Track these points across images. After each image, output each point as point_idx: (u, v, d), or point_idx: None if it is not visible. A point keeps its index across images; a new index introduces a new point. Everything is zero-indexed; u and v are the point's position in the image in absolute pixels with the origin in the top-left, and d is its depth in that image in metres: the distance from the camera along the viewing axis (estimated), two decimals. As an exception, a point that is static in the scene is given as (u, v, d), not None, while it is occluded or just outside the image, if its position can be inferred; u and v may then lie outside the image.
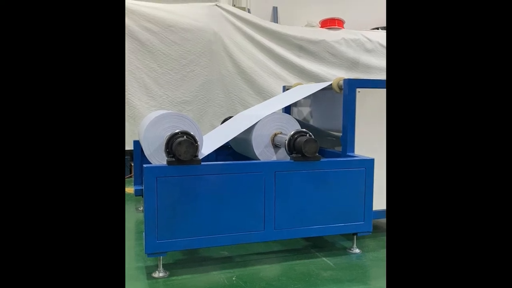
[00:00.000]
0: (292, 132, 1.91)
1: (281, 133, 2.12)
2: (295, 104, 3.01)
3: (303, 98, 2.93)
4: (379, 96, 2.13)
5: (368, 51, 4.81)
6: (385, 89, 2.14)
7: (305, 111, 2.99)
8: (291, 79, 4.46)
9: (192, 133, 1.76)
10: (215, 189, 1.71)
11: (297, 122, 2.19)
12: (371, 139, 2.13)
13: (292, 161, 1.83)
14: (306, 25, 4.95)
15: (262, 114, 2.17)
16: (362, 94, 2.10)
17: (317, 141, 1.83)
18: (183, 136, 1.69)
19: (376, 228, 2.35)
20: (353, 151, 2.10)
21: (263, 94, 4.33)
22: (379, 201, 2.15)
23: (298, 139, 1.85)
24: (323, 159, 1.87)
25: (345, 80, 2.11)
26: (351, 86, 2.08)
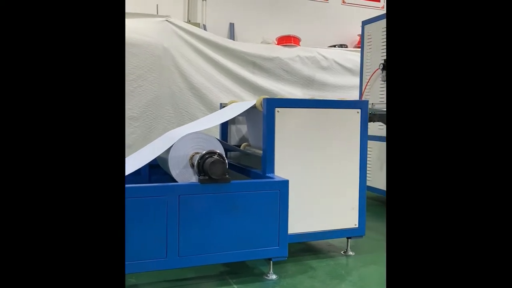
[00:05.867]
0: (203, 153, 1.84)
1: (199, 153, 2.04)
2: (233, 122, 2.95)
3: (240, 116, 2.88)
4: (299, 115, 2.08)
5: (323, 68, 4.83)
6: (304, 109, 2.10)
7: (244, 129, 2.94)
8: (244, 95, 4.42)
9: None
10: (111, 214, 1.61)
11: (218, 142, 2.11)
12: (290, 160, 2.08)
13: (198, 183, 1.75)
14: (261, 42, 4.95)
15: (182, 133, 2.09)
16: (281, 114, 2.05)
17: (225, 162, 1.76)
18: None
19: (299, 252, 2.29)
20: (273, 171, 2.04)
21: (215, 110, 4.26)
22: (298, 224, 2.09)
23: (207, 160, 1.78)
24: (233, 181, 1.80)
25: (264, 99, 2.06)
26: (270, 105, 2.03)
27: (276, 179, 1.90)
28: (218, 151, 1.83)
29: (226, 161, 1.82)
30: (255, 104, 2.19)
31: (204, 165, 1.77)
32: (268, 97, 2.08)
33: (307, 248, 2.37)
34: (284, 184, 1.87)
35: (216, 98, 4.25)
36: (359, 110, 2.19)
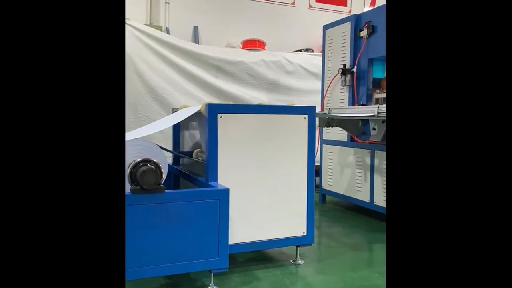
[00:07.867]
0: (138, 161, 1.75)
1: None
2: (186, 127, 2.87)
3: (193, 121, 2.81)
4: (243, 121, 2.03)
5: (288, 73, 4.80)
6: (248, 115, 2.04)
7: (197, 135, 2.86)
8: (207, 99, 4.34)
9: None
10: (32, 228, 1.51)
11: (160, 149, 2.03)
12: (235, 167, 2.02)
13: (129, 194, 1.66)
14: (226, 46, 4.88)
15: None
16: (224, 120, 1.98)
17: (159, 171, 1.68)
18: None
19: (248, 261, 2.22)
20: (216, 179, 1.97)
21: (177, 115, 4.17)
22: (244, 233, 2.03)
23: (140, 169, 1.69)
24: (168, 191, 1.72)
25: (206, 105, 1.99)
26: (212, 111, 1.97)
27: (216, 188, 1.84)
28: (153, 160, 1.75)
29: (162, 170, 1.74)
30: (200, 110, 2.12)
31: (136, 174, 1.69)
32: (233, 102, 2.02)
33: (258, 256, 2.30)
34: (224, 193, 1.81)
35: (178, 103, 4.15)
36: (306, 116, 2.14)
